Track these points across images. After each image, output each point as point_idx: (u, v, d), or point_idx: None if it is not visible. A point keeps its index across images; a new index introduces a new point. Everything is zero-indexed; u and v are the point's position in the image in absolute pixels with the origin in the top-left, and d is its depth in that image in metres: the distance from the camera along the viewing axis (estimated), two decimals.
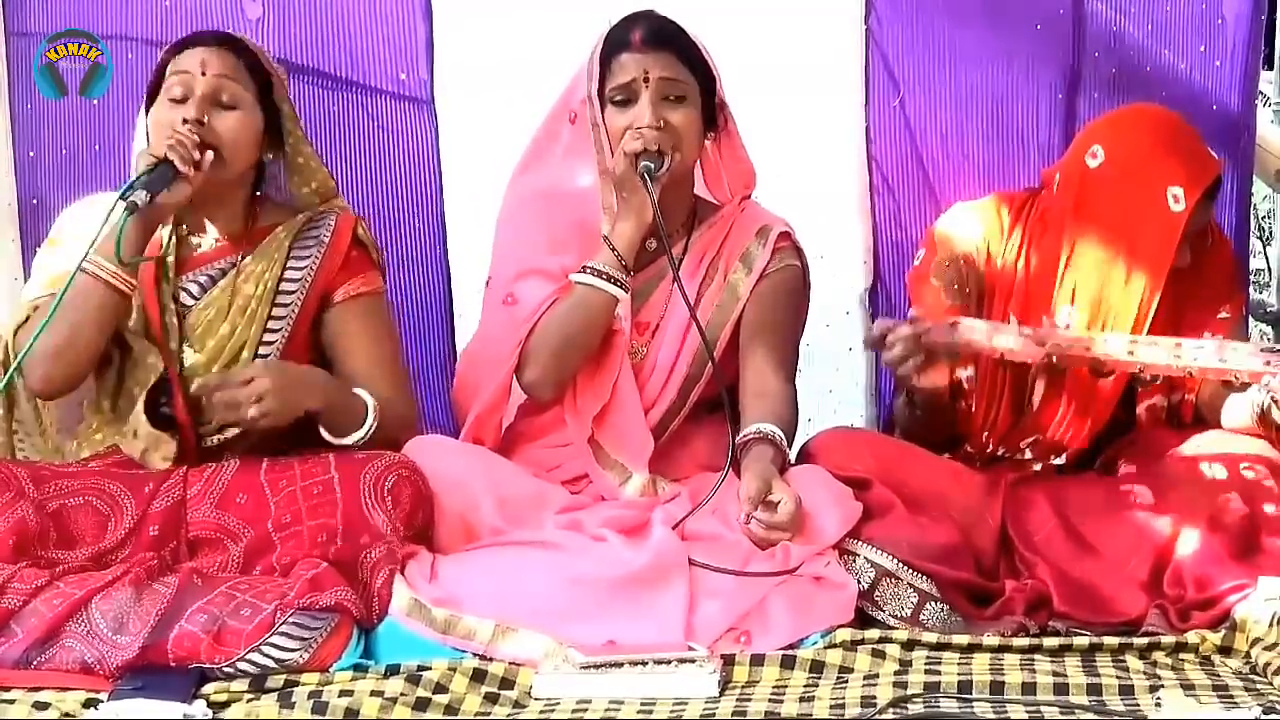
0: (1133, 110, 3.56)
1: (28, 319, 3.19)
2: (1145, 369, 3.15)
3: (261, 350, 3.26)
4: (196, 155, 3.14)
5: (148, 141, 3.23)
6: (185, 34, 3.36)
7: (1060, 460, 3.45)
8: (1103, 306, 3.34)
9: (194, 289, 3.28)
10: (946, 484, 3.34)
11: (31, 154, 3.85)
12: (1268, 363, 3.09)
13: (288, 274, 3.30)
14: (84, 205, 3.34)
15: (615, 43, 3.33)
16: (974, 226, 3.52)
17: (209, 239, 3.30)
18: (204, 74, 3.21)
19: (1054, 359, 3.18)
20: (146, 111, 3.26)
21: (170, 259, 3.26)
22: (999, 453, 3.45)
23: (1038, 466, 3.44)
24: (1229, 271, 3.52)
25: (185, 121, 3.17)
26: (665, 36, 3.33)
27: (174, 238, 3.26)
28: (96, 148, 3.84)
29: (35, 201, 3.85)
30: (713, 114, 3.39)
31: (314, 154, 3.39)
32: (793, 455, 3.38)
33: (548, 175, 3.40)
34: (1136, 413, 3.45)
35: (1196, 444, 3.32)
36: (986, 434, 3.42)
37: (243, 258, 3.30)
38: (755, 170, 3.49)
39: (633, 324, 3.38)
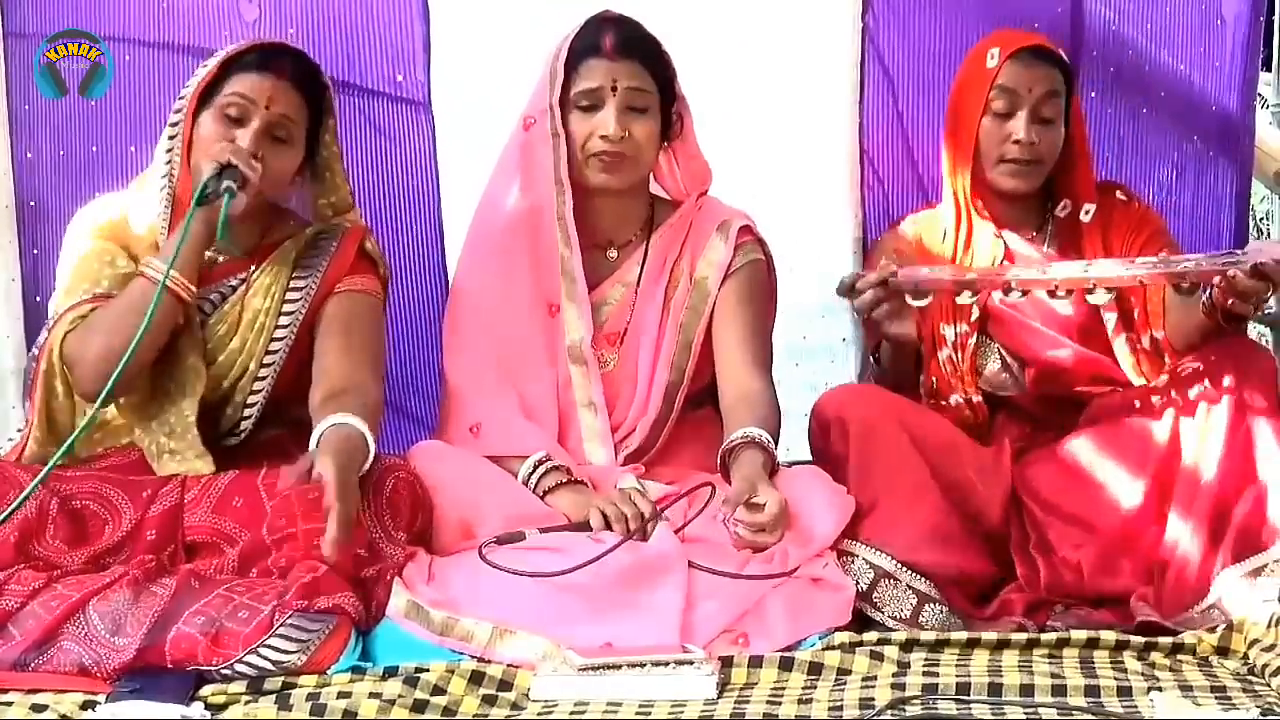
0: None
1: (74, 326, 3.17)
2: (1099, 283, 3.27)
3: (266, 360, 3.27)
4: (254, 164, 3.15)
5: (182, 142, 3.23)
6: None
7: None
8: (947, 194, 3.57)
9: (206, 306, 3.28)
10: (959, 438, 3.39)
11: (29, 155, 3.85)
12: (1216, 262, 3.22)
13: (293, 284, 3.30)
14: (95, 206, 3.35)
15: (585, 47, 3.34)
16: (912, 224, 3.64)
17: (221, 255, 3.31)
18: (267, 108, 3.21)
19: (1014, 284, 3.30)
20: (196, 112, 3.23)
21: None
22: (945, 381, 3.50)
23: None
24: (1158, 229, 3.58)
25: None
26: (634, 45, 3.35)
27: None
28: (94, 149, 3.83)
29: (33, 203, 3.85)
30: (669, 120, 3.41)
31: (343, 171, 3.40)
32: (798, 452, 3.43)
33: (501, 189, 3.43)
34: (1115, 350, 3.51)
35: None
36: (934, 379, 3.49)
37: (253, 272, 3.30)
38: (711, 169, 3.50)
39: (599, 334, 3.40)
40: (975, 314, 3.47)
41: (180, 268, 3.11)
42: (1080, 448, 3.35)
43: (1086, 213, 3.55)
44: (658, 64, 3.37)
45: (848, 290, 3.37)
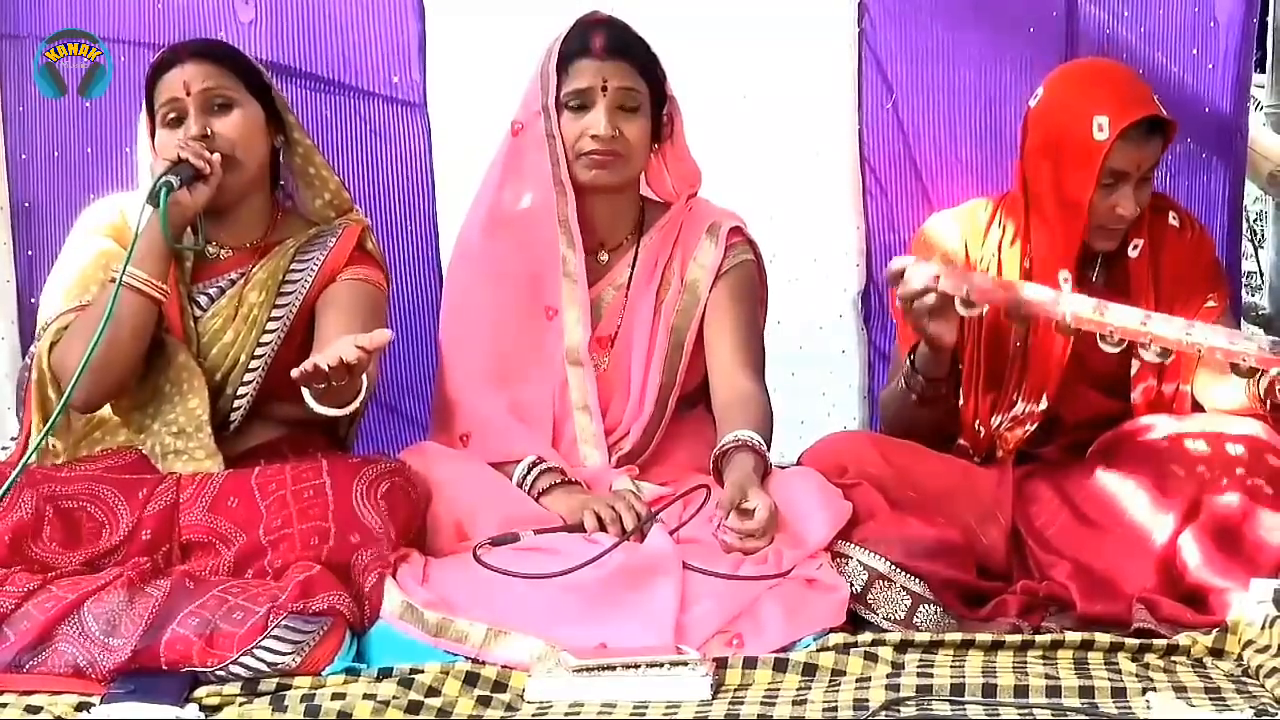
0: (1083, 59, 3.65)
1: (59, 339, 3.19)
2: (1155, 340, 3.12)
3: (257, 352, 3.27)
4: (208, 155, 3.16)
5: (153, 154, 3.26)
6: (173, 39, 3.37)
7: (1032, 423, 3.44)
8: (1033, 239, 3.39)
9: (203, 300, 3.29)
10: (957, 482, 3.35)
11: (24, 156, 3.85)
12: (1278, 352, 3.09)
13: (288, 277, 3.31)
14: (99, 206, 3.37)
15: (574, 49, 3.34)
16: (952, 230, 3.52)
17: (225, 250, 3.31)
18: (189, 93, 3.23)
19: (1068, 320, 3.14)
20: (151, 130, 3.27)
21: (188, 264, 3.28)
22: (991, 434, 3.44)
23: (1030, 425, 3.42)
24: (1211, 263, 3.52)
25: (193, 138, 3.19)
26: (624, 45, 3.35)
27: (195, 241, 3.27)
28: (89, 150, 3.84)
29: (27, 205, 3.85)
30: (659, 121, 3.40)
31: (326, 164, 3.40)
32: (793, 458, 3.38)
33: (492, 195, 3.43)
34: (1132, 399, 3.45)
35: (1182, 424, 3.32)
36: (977, 422, 3.43)
37: (252, 268, 3.31)
38: (700, 170, 3.50)
39: (591, 336, 3.40)
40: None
41: (142, 266, 3.13)
42: (1100, 496, 3.30)
43: (1135, 248, 3.44)
44: (648, 64, 3.37)
45: (896, 277, 3.21)
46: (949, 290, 3.16)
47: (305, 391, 3.01)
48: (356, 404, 3.07)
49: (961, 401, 3.41)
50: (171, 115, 3.24)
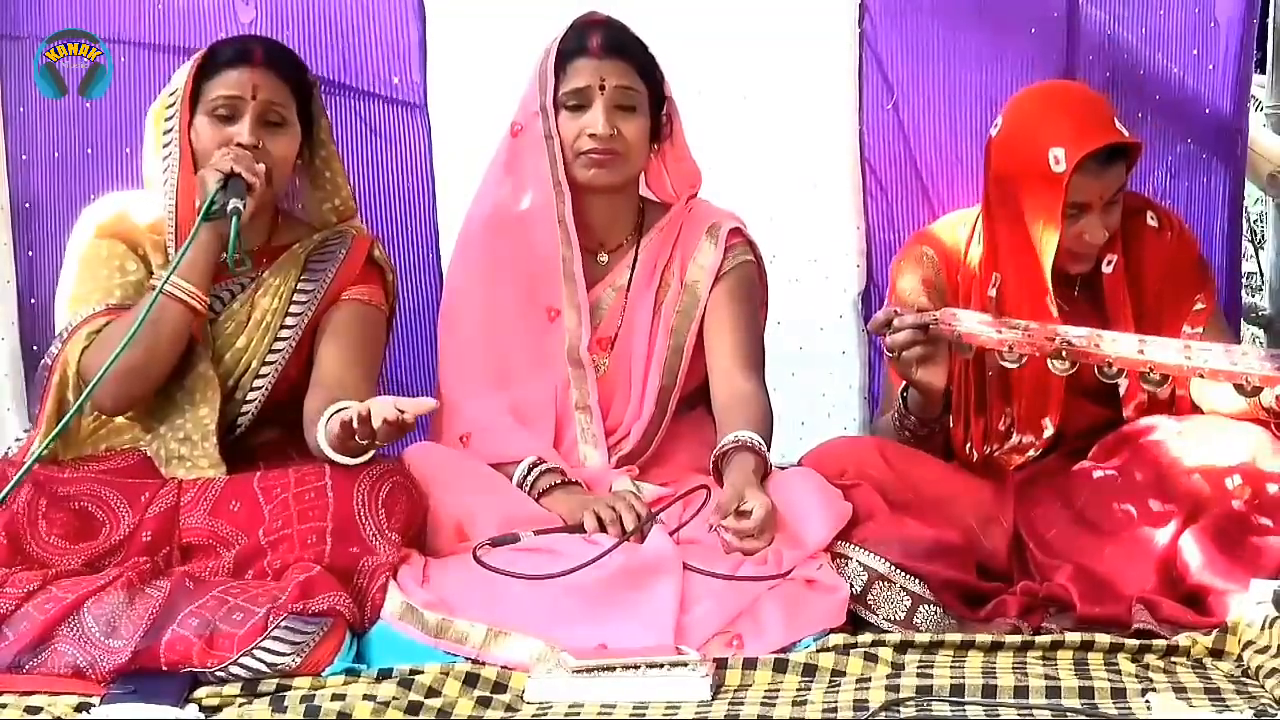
0: (1041, 84, 3.59)
1: (90, 342, 3.18)
2: (1155, 368, 3.09)
3: (269, 359, 3.29)
4: (257, 169, 3.17)
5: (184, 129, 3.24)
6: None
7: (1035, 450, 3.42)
8: (1012, 278, 3.35)
9: (215, 305, 3.30)
10: (958, 486, 3.35)
11: (24, 157, 3.85)
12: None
13: (300, 286, 3.32)
14: (97, 205, 3.36)
15: (572, 48, 3.35)
16: (933, 253, 3.51)
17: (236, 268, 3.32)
18: (254, 98, 3.23)
19: (1064, 354, 3.12)
20: (190, 121, 3.24)
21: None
22: (984, 457, 3.43)
23: (1032, 453, 3.41)
24: (1194, 262, 3.50)
25: (242, 146, 3.19)
26: (622, 45, 3.36)
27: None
28: (89, 150, 3.84)
29: (27, 205, 3.85)
30: (658, 122, 3.40)
31: (343, 171, 3.42)
32: (794, 458, 3.38)
33: (491, 196, 3.43)
34: (1124, 414, 3.44)
35: (1183, 425, 3.32)
36: (969, 446, 3.42)
37: (262, 273, 3.31)
38: (700, 171, 3.50)
39: (591, 338, 3.41)
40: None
41: (189, 278, 3.14)
42: (1100, 498, 3.29)
43: (1109, 263, 3.42)
44: (645, 64, 3.38)
45: (882, 327, 3.22)
46: (940, 335, 3.16)
47: (320, 437, 3.04)
48: (369, 455, 3.08)
49: (951, 424, 3.41)
50: (224, 110, 3.23)
